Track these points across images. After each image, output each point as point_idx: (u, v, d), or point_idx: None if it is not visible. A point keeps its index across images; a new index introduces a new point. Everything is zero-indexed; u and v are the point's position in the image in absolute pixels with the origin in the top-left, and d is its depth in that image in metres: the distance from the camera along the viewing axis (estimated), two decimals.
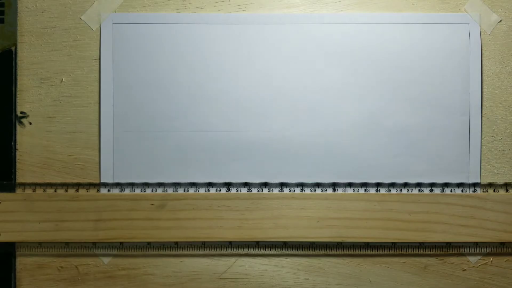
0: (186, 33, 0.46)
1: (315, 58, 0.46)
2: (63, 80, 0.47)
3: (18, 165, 0.46)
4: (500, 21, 0.47)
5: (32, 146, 0.46)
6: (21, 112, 0.46)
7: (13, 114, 0.46)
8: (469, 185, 0.46)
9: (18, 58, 0.46)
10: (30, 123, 0.47)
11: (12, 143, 0.46)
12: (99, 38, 0.47)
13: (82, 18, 0.47)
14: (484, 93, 0.47)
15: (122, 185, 0.46)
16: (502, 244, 0.46)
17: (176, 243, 0.46)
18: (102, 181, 0.46)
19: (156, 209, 0.45)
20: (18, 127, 0.46)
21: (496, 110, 0.47)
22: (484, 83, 0.47)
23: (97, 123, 0.46)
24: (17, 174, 0.46)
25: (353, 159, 0.46)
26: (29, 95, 0.46)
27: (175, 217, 0.45)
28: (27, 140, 0.46)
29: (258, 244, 0.46)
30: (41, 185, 0.46)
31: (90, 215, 0.45)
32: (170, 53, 0.46)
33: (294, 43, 0.46)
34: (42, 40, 0.47)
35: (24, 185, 0.46)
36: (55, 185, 0.46)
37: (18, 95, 0.46)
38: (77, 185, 0.46)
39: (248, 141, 0.46)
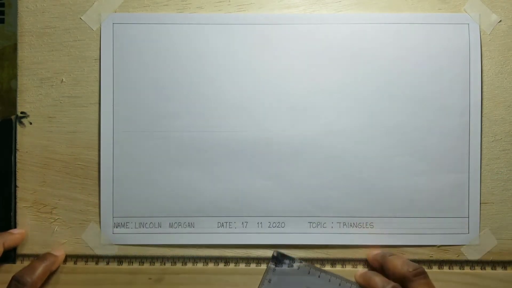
0: (186, 33, 0.46)
1: (315, 58, 0.46)
2: (63, 80, 0.47)
3: (18, 165, 0.46)
4: (500, 21, 0.47)
5: (32, 146, 0.46)
6: (21, 112, 0.46)
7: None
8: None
9: (19, 58, 0.46)
10: (31, 123, 0.47)
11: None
12: (99, 38, 0.47)
13: (82, 18, 0.47)
14: (484, 93, 0.47)
15: (120, 258, 0.46)
16: None
17: None
18: (102, 180, 0.46)
19: (154, 283, 0.45)
20: (18, 127, 0.46)
21: (496, 110, 0.47)
22: (483, 83, 0.47)
23: (97, 123, 0.46)
24: (17, 174, 0.46)
25: (353, 159, 0.46)
26: (29, 95, 0.47)
27: None
28: (27, 140, 0.46)
29: None
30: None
31: None
32: (170, 53, 0.46)
33: (294, 43, 0.46)
34: (42, 40, 0.47)
35: (23, 256, 0.46)
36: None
37: (18, 95, 0.46)
38: (75, 257, 0.46)
39: (248, 141, 0.46)
